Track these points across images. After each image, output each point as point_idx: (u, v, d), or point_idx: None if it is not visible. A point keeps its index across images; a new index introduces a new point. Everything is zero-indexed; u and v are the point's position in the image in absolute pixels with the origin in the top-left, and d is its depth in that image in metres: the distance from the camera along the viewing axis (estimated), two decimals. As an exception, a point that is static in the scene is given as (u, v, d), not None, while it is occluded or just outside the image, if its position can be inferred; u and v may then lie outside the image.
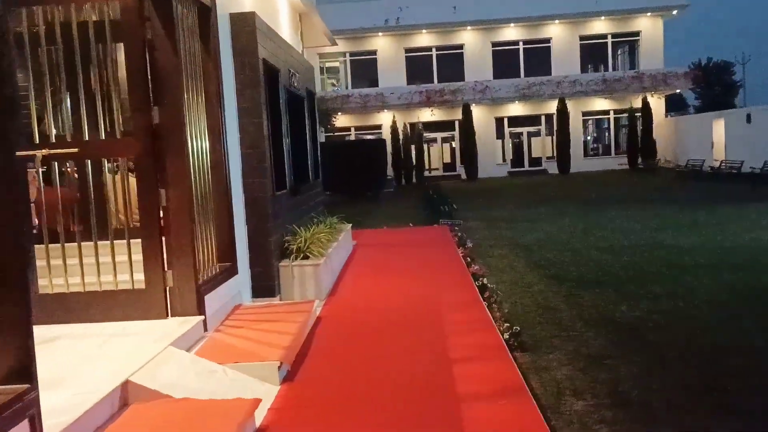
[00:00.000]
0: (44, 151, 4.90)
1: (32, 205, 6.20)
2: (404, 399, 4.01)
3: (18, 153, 4.82)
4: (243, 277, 6.39)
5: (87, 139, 4.99)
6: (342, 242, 8.87)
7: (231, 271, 6.01)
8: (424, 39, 34.90)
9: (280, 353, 4.52)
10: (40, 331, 4.77)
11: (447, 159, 35.08)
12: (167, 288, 5.03)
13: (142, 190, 4.98)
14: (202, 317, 5.06)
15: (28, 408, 2.78)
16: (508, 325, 5.54)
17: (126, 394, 3.70)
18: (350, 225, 10.40)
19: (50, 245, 5.08)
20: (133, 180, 5.40)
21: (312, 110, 10.05)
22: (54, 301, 5.01)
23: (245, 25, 6.50)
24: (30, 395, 2.80)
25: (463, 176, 32.74)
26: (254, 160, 6.60)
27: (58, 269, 5.04)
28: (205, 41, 5.86)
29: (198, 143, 5.51)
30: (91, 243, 5.00)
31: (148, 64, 4.90)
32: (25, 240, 2.84)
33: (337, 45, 13.12)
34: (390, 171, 30.26)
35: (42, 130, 5.11)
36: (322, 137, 30.91)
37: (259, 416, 3.80)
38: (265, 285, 6.70)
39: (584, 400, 4.16)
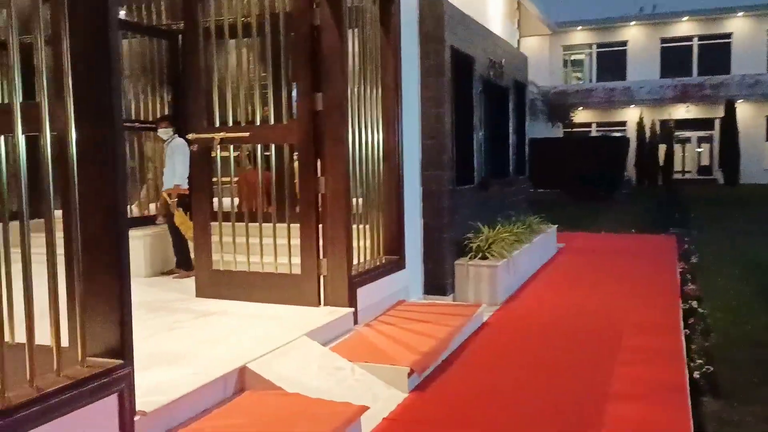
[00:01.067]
0: (221, 134, 5.15)
1: (235, 185, 6.63)
2: (534, 435, 3.45)
3: (198, 135, 5.12)
4: (413, 273, 6.18)
5: (257, 124, 5.16)
6: (537, 244, 8.23)
7: (397, 265, 5.83)
8: (683, 28, 31.56)
9: (413, 359, 4.20)
10: (202, 306, 5.06)
11: (704, 161, 31.43)
12: (321, 276, 5.00)
13: (303, 175, 5.00)
14: (352, 309, 4.94)
15: (117, 383, 2.83)
16: (702, 361, 4.59)
17: (243, 380, 3.68)
18: (555, 226, 9.65)
19: (224, 223, 5.33)
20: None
21: (520, 102, 9.47)
22: (222, 277, 5.26)
23: (432, 10, 6.25)
24: (121, 371, 2.85)
25: (721, 181, 29.05)
26: (434, 152, 6.33)
27: (240, 247, 5.26)
28: (386, 28, 5.72)
29: (368, 132, 5.40)
30: (269, 225, 5.14)
31: (314, 51, 4.89)
32: (120, 217, 2.89)
33: (551, 33, 12.22)
34: (632, 171, 27.96)
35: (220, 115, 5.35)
36: (559, 132, 29.68)
37: (371, 424, 3.53)
38: (437, 283, 6.42)
39: (773, 475, 3.22)
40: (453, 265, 6.54)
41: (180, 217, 5.95)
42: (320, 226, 4.99)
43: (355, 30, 5.47)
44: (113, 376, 2.82)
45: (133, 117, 7.16)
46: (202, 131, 5.22)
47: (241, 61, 5.25)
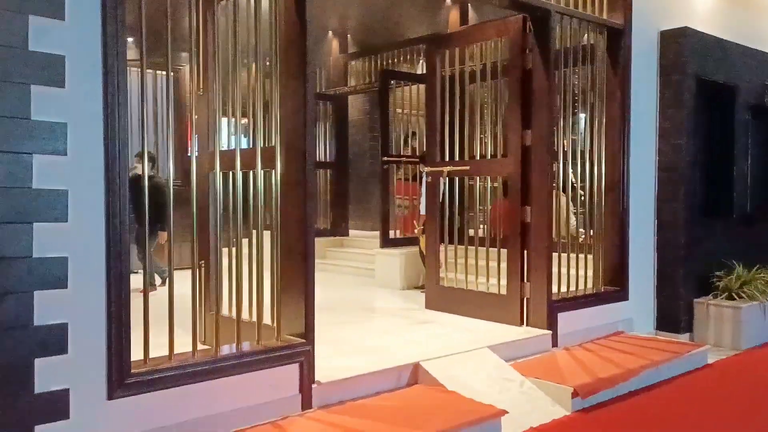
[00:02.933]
0: (448, 168, 5.96)
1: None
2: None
3: (432, 168, 6.01)
4: (641, 306, 6.14)
5: (477, 158, 5.82)
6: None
7: (617, 296, 5.90)
8: None
9: (583, 382, 4.40)
10: (424, 316, 5.91)
11: None
12: (524, 298, 5.43)
13: (511, 205, 5.50)
14: (549, 332, 5.26)
15: (299, 356, 3.79)
16: None
17: (417, 375, 4.37)
18: None
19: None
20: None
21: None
22: (445, 292, 6.02)
23: (672, 41, 6.15)
24: (302, 348, 3.81)
25: None
26: (669, 184, 6.19)
27: (461, 267, 6.02)
28: (614, 62, 5.91)
29: (588, 164, 5.70)
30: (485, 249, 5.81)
31: (524, 92, 5.38)
32: (308, 232, 3.86)
33: None
34: None
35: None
36: None
37: (517, 429, 3.91)
38: (670, 319, 6.22)
39: None
40: (691, 303, 6.25)
41: (422, 241, 6.88)
42: (525, 252, 5.43)
43: (582, 66, 5.80)
44: (296, 350, 3.79)
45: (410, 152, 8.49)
46: (434, 165, 6.09)
47: (466, 103, 5.99)
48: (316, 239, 9.49)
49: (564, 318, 5.37)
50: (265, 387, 3.67)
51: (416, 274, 7.49)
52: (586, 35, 5.79)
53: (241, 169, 3.88)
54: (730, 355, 5.77)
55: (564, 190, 6.10)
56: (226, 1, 4.36)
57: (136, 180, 6.80)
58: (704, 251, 6.37)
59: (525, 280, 5.42)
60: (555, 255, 5.69)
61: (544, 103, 5.28)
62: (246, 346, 3.73)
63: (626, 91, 5.89)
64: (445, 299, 6.02)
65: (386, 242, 7.83)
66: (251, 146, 4.06)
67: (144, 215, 3.41)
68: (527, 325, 5.39)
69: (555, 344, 5.29)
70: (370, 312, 6.18)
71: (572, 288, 5.68)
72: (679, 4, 6.52)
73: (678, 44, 6.14)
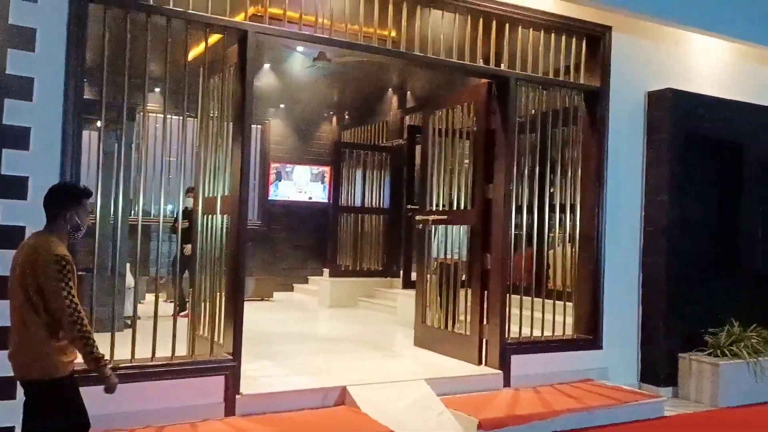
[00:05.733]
0: (433, 216, 6.53)
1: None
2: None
3: (421, 217, 6.63)
4: (619, 356, 6.20)
5: (453, 209, 6.33)
6: None
7: (587, 345, 6.07)
8: None
9: (492, 416, 4.75)
10: (408, 351, 6.49)
11: None
12: (483, 339, 5.82)
13: (473, 252, 5.95)
14: (501, 372, 5.59)
15: (225, 369, 4.56)
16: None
17: (344, 397, 4.95)
18: None
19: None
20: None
21: None
22: (428, 331, 6.52)
23: (656, 102, 6.31)
24: (229, 363, 4.58)
25: None
26: (653, 239, 6.26)
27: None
28: (592, 122, 6.19)
29: (558, 216, 6.07)
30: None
31: (488, 150, 5.88)
32: (240, 273, 4.65)
33: None
34: None
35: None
36: None
37: (407, 451, 4.39)
38: (651, 372, 6.23)
39: None
40: (675, 357, 6.21)
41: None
42: (484, 295, 5.82)
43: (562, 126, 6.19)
44: (223, 364, 4.57)
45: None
46: (423, 213, 6.68)
47: (445, 161, 6.56)
48: (366, 279, 10.24)
49: (519, 360, 5.67)
50: (192, 392, 4.47)
51: (430, 315, 7.98)
52: (573, 96, 6.16)
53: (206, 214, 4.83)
54: (700, 411, 5.70)
55: (571, 241, 6.41)
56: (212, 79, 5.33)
57: (185, 212, 7.86)
58: (699, 307, 6.29)
59: (484, 322, 5.81)
60: (549, 301, 6.01)
61: (503, 161, 5.73)
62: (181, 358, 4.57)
63: (603, 149, 6.12)
64: (426, 337, 6.51)
65: (407, 283, 8.41)
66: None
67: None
68: (485, 364, 5.75)
69: (507, 384, 5.59)
70: (362, 345, 6.78)
71: (548, 333, 5.95)
72: (672, 65, 6.54)
73: (660, 104, 6.29)
